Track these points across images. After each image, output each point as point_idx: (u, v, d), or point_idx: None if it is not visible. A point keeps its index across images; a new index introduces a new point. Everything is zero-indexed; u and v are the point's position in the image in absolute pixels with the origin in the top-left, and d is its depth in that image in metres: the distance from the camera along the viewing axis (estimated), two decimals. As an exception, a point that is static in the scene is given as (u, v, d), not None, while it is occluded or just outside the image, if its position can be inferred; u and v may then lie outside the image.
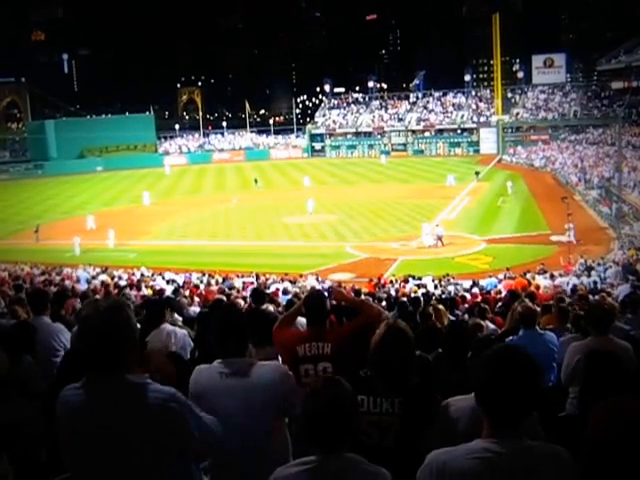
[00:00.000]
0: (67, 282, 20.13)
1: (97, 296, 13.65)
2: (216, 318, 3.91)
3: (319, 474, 2.70)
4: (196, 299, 15.56)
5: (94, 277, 23.77)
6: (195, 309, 12.26)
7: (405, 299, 13.03)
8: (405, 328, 3.74)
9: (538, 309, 8.15)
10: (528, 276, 21.81)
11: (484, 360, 2.59)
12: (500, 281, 21.86)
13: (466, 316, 11.18)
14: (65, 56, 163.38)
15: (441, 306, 10.00)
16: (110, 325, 2.85)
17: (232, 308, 4.13)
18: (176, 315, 9.12)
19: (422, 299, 12.52)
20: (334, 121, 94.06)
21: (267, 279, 23.90)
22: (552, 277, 22.51)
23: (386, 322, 3.85)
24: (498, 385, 2.47)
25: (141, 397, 2.87)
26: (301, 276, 25.83)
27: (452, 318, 9.83)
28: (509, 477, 2.41)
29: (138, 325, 3.15)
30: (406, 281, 22.84)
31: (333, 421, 2.72)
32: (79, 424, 2.89)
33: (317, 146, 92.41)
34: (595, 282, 21.06)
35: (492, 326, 8.45)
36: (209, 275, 24.49)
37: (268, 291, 15.73)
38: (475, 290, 19.39)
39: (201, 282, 22.21)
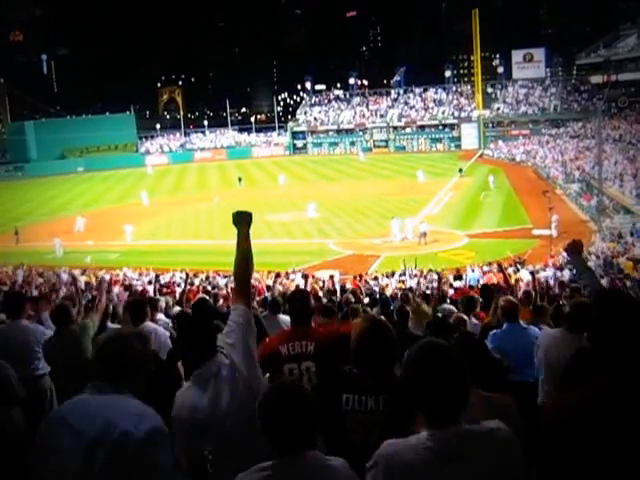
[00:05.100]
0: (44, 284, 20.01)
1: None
2: (178, 330, 3.89)
3: (278, 479, 2.62)
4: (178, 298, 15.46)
5: (75, 278, 23.60)
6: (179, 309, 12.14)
7: (389, 295, 13.04)
8: (386, 322, 3.76)
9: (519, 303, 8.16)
10: (510, 270, 21.89)
11: (409, 357, 2.58)
12: (484, 275, 21.98)
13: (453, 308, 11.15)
14: (44, 56, 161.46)
15: (425, 306, 9.93)
16: (125, 354, 2.98)
17: (192, 318, 4.12)
18: (163, 316, 9.03)
19: (410, 296, 12.46)
20: (315, 118, 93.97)
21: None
22: (532, 273, 22.51)
23: (364, 317, 3.83)
24: (424, 381, 2.49)
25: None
26: (287, 274, 25.79)
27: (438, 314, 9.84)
28: (452, 462, 2.41)
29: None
30: (391, 277, 22.89)
31: (288, 425, 2.64)
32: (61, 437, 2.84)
33: (299, 143, 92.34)
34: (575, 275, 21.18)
35: (475, 321, 8.43)
36: (193, 275, 24.39)
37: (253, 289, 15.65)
38: (459, 284, 19.49)
39: (184, 282, 22.10)
